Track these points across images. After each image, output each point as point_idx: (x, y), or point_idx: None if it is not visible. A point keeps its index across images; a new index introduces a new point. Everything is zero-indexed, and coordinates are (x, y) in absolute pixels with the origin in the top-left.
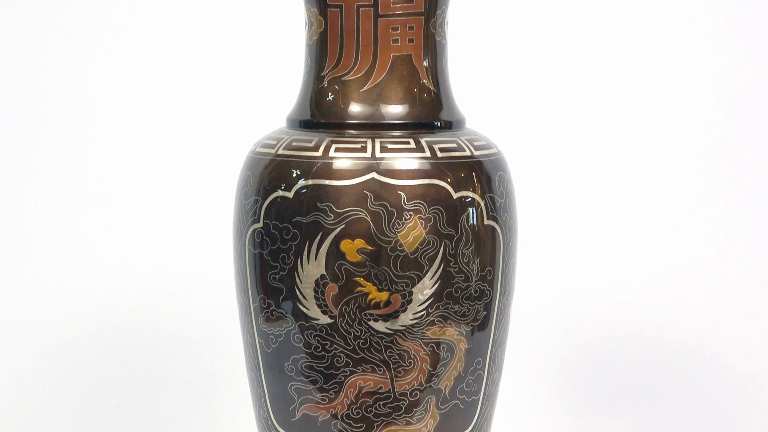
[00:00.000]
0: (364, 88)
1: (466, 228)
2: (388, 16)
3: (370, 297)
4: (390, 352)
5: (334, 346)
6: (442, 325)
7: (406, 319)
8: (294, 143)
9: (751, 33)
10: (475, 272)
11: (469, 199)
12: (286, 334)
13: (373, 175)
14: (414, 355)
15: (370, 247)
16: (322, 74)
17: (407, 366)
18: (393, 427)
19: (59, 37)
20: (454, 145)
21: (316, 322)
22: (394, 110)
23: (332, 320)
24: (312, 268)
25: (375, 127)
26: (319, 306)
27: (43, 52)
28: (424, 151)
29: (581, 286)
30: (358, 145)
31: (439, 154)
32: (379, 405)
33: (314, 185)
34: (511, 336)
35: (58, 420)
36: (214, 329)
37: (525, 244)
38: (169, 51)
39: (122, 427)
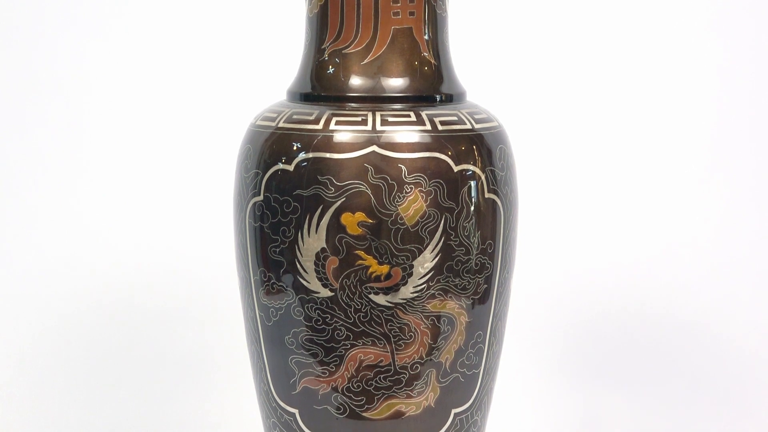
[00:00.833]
0: (365, 61)
1: (467, 201)
2: None
3: (370, 270)
4: (390, 325)
5: (335, 319)
6: (442, 298)
7: (407, 292)
8: (294, 116)
9: (751, 14)
10: (475, 245)
11: (470, 172)
12: (286, 307)
13: (374, 148)
14: (414, 329)
15: (370, 221)
16: (323, 47)
17: (408, 339)
18: (393, 401)
19: (59, 11)
20: (455, 118)
21: (316, 295)
22: (395, 83)
23: (333, 293)
24: (312, 242)
25: (375, 100)
26: (320, 279)
27: (43, 27)
28: (424, 124)
29: (582, 259)
30: (359, 118)
31: (440, 128)
32: (379, 378)
33: (315, 158)
34: (511, 309)
35: (58, 394)
36: (215, 302)
37: (525, 218)
38: (170, 25)
39: (123, 400)
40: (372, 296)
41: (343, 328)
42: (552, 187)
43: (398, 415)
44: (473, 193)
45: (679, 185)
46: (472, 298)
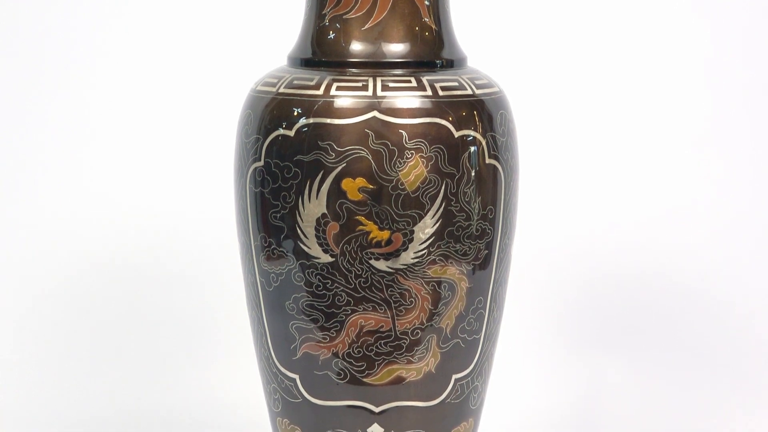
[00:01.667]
0: (366, 27)
1: (468, 167)
2: None
3: (371, 236)
4: (391, 291)
5: (335, 284)
6: (443, 264)
7: (408, 258)
8: (295, 82)
9: None
10: (476, 211)
11: (471, 137)
12: (287, 272)
13: (375, 113)
14: (415, 294)
15: (371, 186)
16: (324, 12)
17: (408, 305)
18: (394, 366)
19: None
20: (456, 83)
21: (317, 260)
22: (396, 49)
23: (333, 259)
24: (313, 207)
25: (376, 65)
26: (320, 245)
27: None
28: (425, 89)
29: (582, 224)
30: (359, 84)
31: (441, 93)
32: (380, 344)
33: (315, 124)
34: (512, 275)
35: (57, 357)
36: (215, 268)
37: (526, 183)
38: None
39: (123, 365)
40: (372, 262)
41: (343, 294)
42: (552, 152)
43: (399, 380)
44: (474, 159)
45: (680, 149)
46: (472, 264)
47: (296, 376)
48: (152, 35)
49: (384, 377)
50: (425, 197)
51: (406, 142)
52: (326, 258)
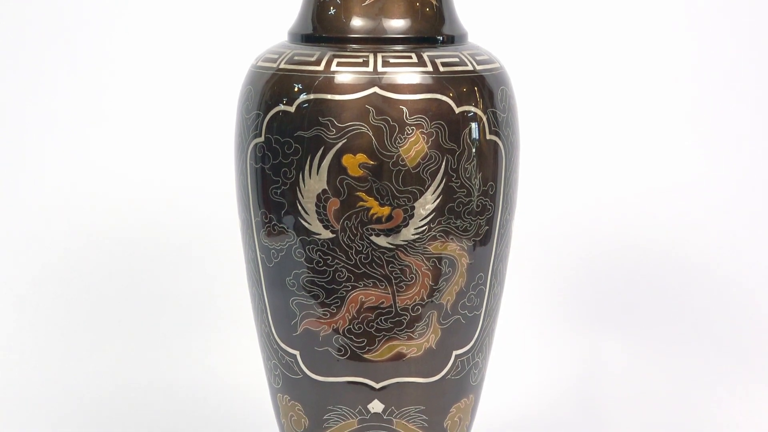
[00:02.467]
0: (366, 2)
1: (468, 143)
2: None
3: (371, 212)
4: (392, 267)
5: (336, 260)
6: (443, 240)
7: (408, 234)
8: (296, 57)
9: None
10: (476, 187)
11: (471, 113)
12: (287, 248)
13: (375, 89)
14: (416, 270)
15: (371, 162)
16: None
17: (409, 281)
18: (395, 342)
19: None
20: (457, 59)
21: (317, 236)
22: (396, 24)
23: (334, 235)
24: (313, 183)
25: (377, 41)
26: (321, 221)
27: None
28: (426, 65)
29: (583, 200)
30: (360, 60)
31: (441, 69)
32: (380, 320)
33: (316, 99)
34: (513, 251)
35: (58, 334)
36: (216, 244)
37: (527, 159)
38: None
39: (123, 341)
40: (373, 238)
41: (344, 270)
42: (553, 128)
43: (399, 356)
44: (474, 135)
45: (681, 124)
46: (473, 240)
47: (297, 353)
48: (153, 11)
49: (384, 353)
50: (426, 173)
51: (407, 118)
52: (327, 234)
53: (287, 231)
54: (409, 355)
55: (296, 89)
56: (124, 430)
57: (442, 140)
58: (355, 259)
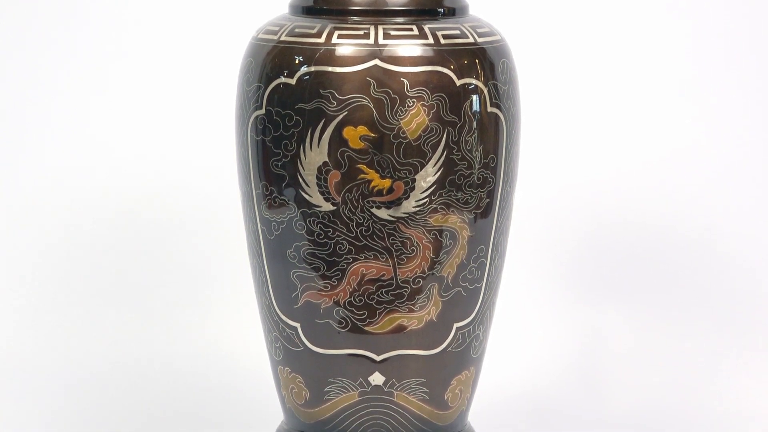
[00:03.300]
0: None
1: (469, 115)
2: None
3: (372, 184)
4: (392, 239)
5: (337, 233)
6: (444, 212)
7: (409, 206)
8: (296, 29)
9: None
10: (477, 160)
11: (473, 86)
12: (288, 221)
13: (376, 62)
14: (416, 243)
15: (372, 134)
16: None
17: (410, 253)
18: (395, 315)
19: None
20: (458, 31)
21: (318, 209)
22: None
23: (335, 207)
24: (314, 155)
25: (378, 13)
26: (322, 193)
27: None
28: (427, 37)
29: (584, 173)
30: (361, 32)
31: (443, 41)
32: (381, 292)
33: (317, 72)
34: (513, 224)
35: (59, 305)
36: (217, 216)
37: (528, 132)
38: None
39: (123, 314)
40: (374, 210)
41: (345, 242)
42: (554, 100)
43: (400, 329)
44: (476, 107)
45: (684, 96)
46: (474, 212)
47: (297, 325)
48: None
49: (385, 326)
50: (427, 146)
51: (408, 91)
52: (327, 206)
53: (288, 203)
54: (409, 328)
55: (297, 61)
56: (124, 404)
57: (443, 112)
58: (356, 232)
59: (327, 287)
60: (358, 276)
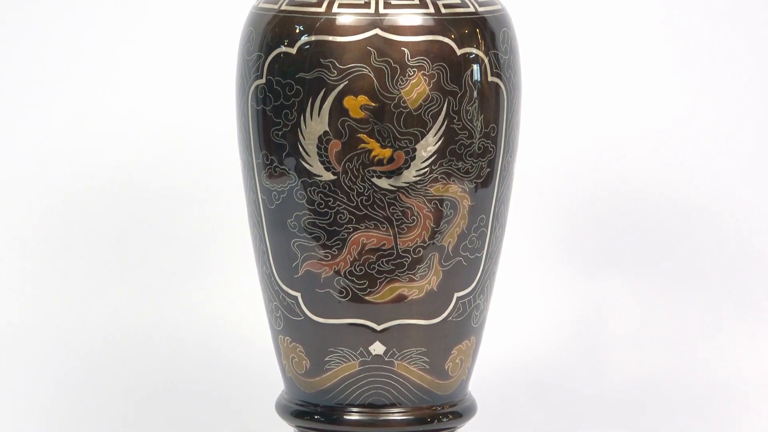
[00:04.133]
0: None
1: (470, 85)
2: None
3: (373, 154)
4: (393, 209)
5: (337, 202)
6: (445, 182)
7: (410, 176)
8: None
9: None
10: (478, 129)
11: (473, 55)
12: (288, 190)
13: (377, 31)
14: (417, 212)
15: (373, 104)
16: None
17: (410, 223)
18: (396, 284)
19: None
20: (458, 1)
21: (319, 178)
22: None
23: (335, 177)
24: (315, 125)
25: None
26: (322, 162)
27: None
28: (427, 7)
29: (584, 142)
30: (362, 1)
31: (443, 11)
32: (382, 262)
33: (317, 41)
34: (514, 194)
35: (59, 273)
36: (217, 186)
37: (529, 101)
38: None
39: (124, 283)
40: (374, 180)
41: (345, 212)
42: (554, 69)
43: (401, 298)
44: (476, 77)
45: (684, 64)
46: (474, 182)
47: (298, 294)
48: None
49: (386, 295)
50: (427, 115)
51: (409, 60)
52: (328, 176)
53: (288, 173)
54: (410, 297)
55: (297, 31)
56: (124, 375)
57: (443, 82)
58: (357, 201)
59: (327, 257)
60: (359, 245)
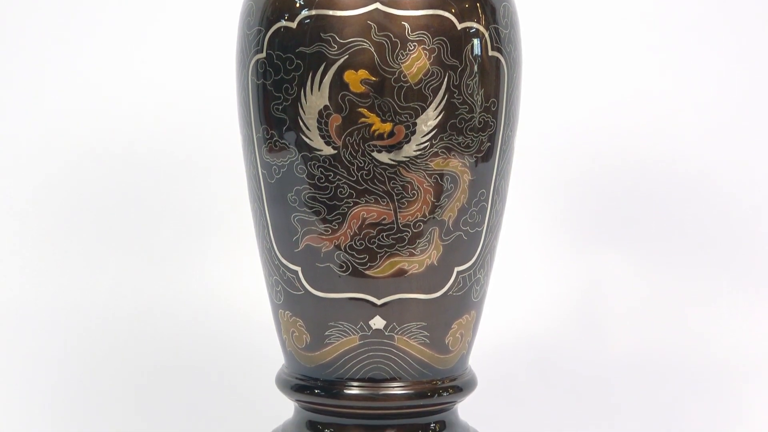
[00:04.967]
0: None
1: (471, 59)
2: None
3: (373, 128)
4: (393, 183)
5: (338, 177)
6: (445, 156)
7: (410, 150)
8: None
9: None
10: (479, 103)
11: (474, 29)
12: (289, 165)
13: (377, 5)
14: (417, 187)
15: (373, 78)
16: None
17: (411, 197)
18: (396, 258)
19: None
20: None
21: (319, 153)
22: None
23: (335, 151)
24: (315, 99)
25: None
26: (323, 137)
27: None
28: None
29: (585, 117)
30: None
31: None
32: (382, 236)
33: (318, 15)
34: (514, 168)
35: (60, 248)
36: (217, 160)
37: (529, 76)
38: None
39: (124, 257)
40: (375, 154)
41: (345, 186)
42: (555, 44)
43: (401, 273)
44: (477, 51)
45: (684, 38)
46: (475, 157)
47: (298, 269)
48: None
49: (386, 270)
50: (428, 89)
51: (409, 34)
52: (328, 150)
53: (288, 147)
54: (410, 272)
55: (298, 5)
56: (124, 349)
57: (444, 56)
58: (357, 176)
59: (328, 231)
60: (359, 220)
